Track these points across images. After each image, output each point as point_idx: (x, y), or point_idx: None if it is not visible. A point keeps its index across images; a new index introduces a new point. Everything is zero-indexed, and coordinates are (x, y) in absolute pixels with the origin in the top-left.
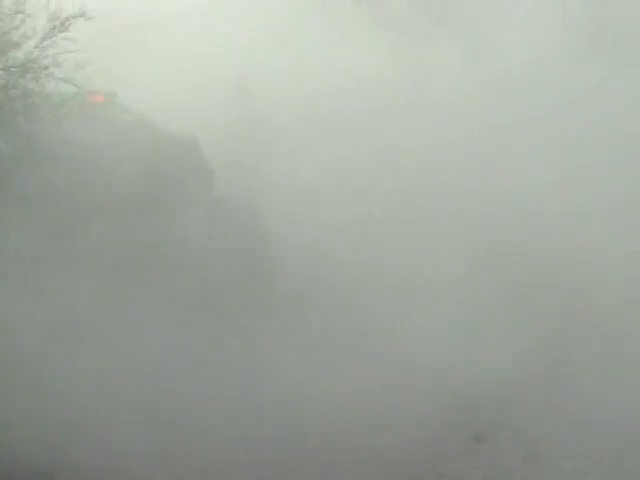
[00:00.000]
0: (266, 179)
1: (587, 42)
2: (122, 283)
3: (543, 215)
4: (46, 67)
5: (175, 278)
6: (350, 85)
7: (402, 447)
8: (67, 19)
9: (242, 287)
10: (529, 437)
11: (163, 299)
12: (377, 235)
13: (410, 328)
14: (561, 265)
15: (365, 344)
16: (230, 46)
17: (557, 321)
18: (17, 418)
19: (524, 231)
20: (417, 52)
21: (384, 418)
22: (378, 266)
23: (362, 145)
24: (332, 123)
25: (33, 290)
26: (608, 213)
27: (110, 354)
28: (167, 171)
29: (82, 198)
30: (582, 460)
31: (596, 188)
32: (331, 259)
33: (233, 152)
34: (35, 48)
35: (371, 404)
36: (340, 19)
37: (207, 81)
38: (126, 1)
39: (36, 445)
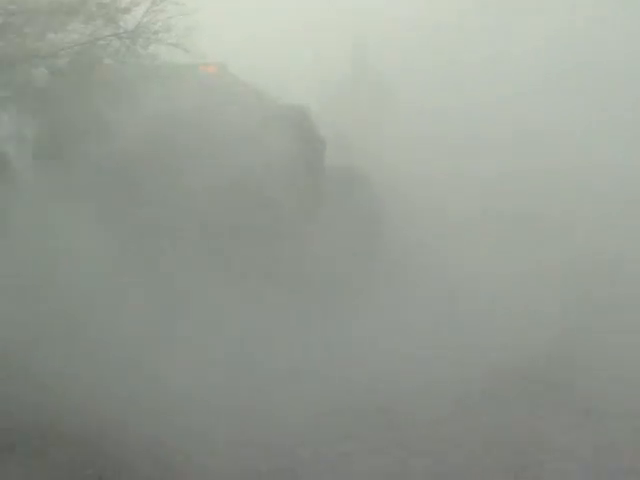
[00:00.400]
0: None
1: None
2: (245, 248)
3: None
4: (156, 32)
5: (291, 244)
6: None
7: None
8: None
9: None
10: None
11: (288, 261)
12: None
13: None
14: None
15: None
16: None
17: None
18: None
19: None
20: None
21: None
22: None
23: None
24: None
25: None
26: None
27: None
28: (279, 141)
29: (198, 165)
30: None
31: None
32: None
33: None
34: (145, 13)
35: None
36: None
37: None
38: None
39: None
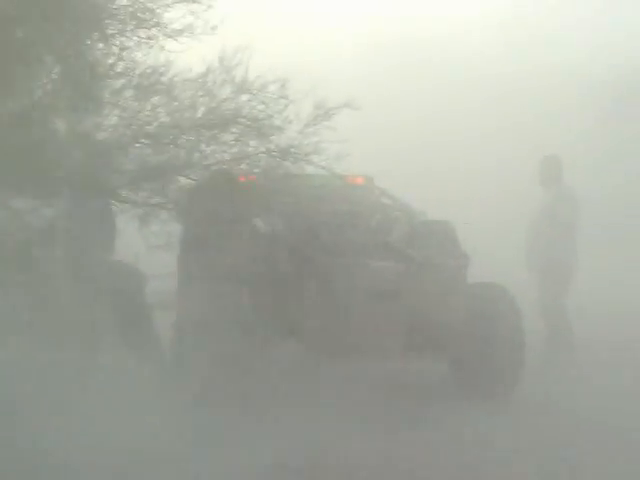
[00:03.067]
0: None
1: None
2: None
3: None
4: (307, 154)
5: None
6: None
7: None
8: (332, 108)
9: None
10: None
11: None
12: None
13: None
14: None
15: None
16: None
17: None
18: None
19: None
20: None
21: None
22: None
23: None
24: None
25: None
26: None
27: None
28: (421, 257)
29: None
30: None
31: None
32: None
33: None
34: (298, 134)
35: None
36: None
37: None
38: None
39: None
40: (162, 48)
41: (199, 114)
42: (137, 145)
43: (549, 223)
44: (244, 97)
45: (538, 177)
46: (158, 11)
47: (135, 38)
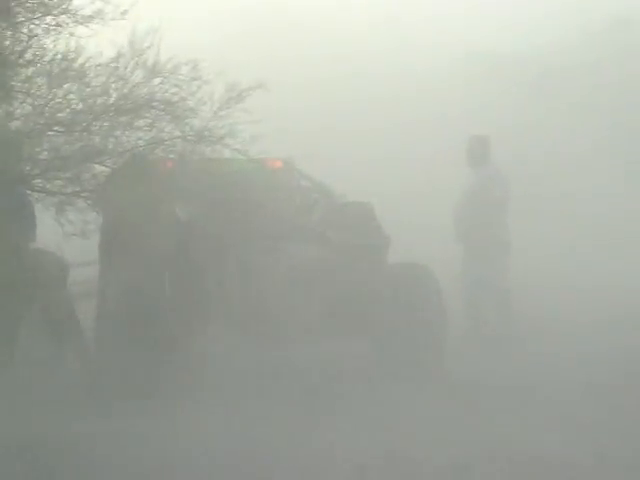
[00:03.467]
0: None
1: None
2: None
3: None
4: (222, 137)
5: None
6: None
7: None
8: (244, 90)
9: None
10: None
11: None
12: None
13: None
14: None
15: None
16: None
17: None
18: None
19: None
20: None
21: None
22: None
23: None
24: None
25: None
26: None
27: None
28: (341, 238)
29: (262, 265)
30: None
31: None
32: None
33: None
34: (212, 117)
35: None
36: None
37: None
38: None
39: None
40: (72, 34)
41: (112, 100)
42: (50, 133)
43: (479, 203)
44: (156, 80)
45: (466, 157)
46: None
47: (44, 25)
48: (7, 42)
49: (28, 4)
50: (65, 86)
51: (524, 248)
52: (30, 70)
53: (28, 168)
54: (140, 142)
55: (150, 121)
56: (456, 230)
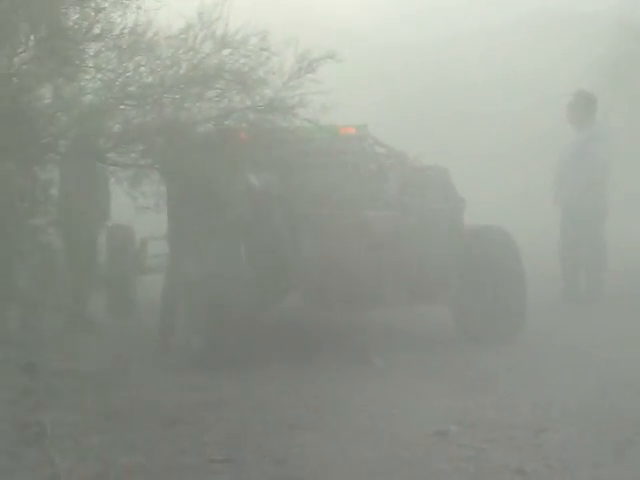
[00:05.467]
0: None
1: None
2: None
3: None
4: (292, 107)
5: None
6: None
7: None
8: (314, 60)
9: None
10: None
11: None
12: None
13: None
14: None
15: None
16: None
17: None
18: None
19: None
20: None
21: None
22: None
23: None
24: None
25: None
26: None
27: None
28: (418, 202)
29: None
30: None
31: None
32: None
33: None
34: (282, 88)
35: None
36: None
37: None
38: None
39: None
40: (139, 7)
41: (182, 71)
42: (122, 107)
43: (582, 161)
44: (226, 51)
45: (569, 115)
46: None
47: None
48: (75, 17)
49: None
50: (135, 59)
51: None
52: (99, 44)
53: (101, 142)
54: (211, 113)
55: (220, 92)
56: (556, 192)
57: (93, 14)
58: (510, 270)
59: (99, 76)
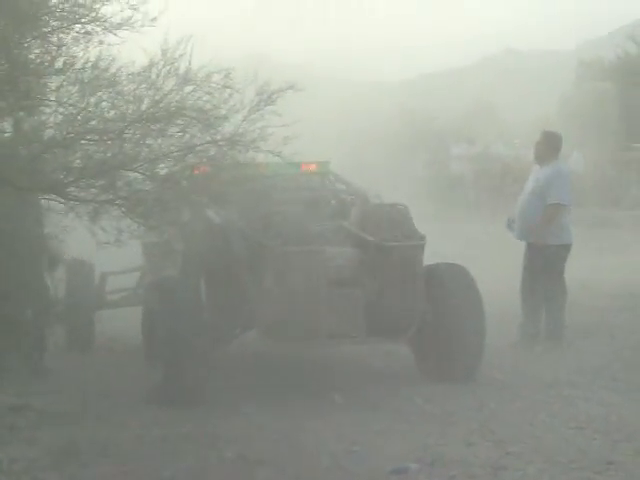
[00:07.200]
0: None
1: None
2: None
3: None
4: (253, 140)
5: None
6: None
7: None
8: (274, 92)
9: None
10: None
11: None
12: None
13: None
14: None
15: None
16: None
17: None
18: None
19: None
20: None
21: None
22: None
23: None
24: None
25: None
26: None
27: None
28: (378, 238)
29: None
30: None
31: None
32: None
33: None
34: (243, 121)
35: None
36: None
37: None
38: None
39: None
40: (101, 42)
41: (144, 107)
42: (83, 142)
43: (540, 198)
44: (188, 88)
45: (534, 153)
46: (96, 6)
47: (73, 34)
48: (37, 50)
49: (56, 13)
50: (97, 94)
51: None
52: (61, 78)
53: (61, 176)
54: (172, 149)
55: (182, 127)
56: (518, 227)
57: (55, 48)
58: (469, 308)
59: (60, 110)
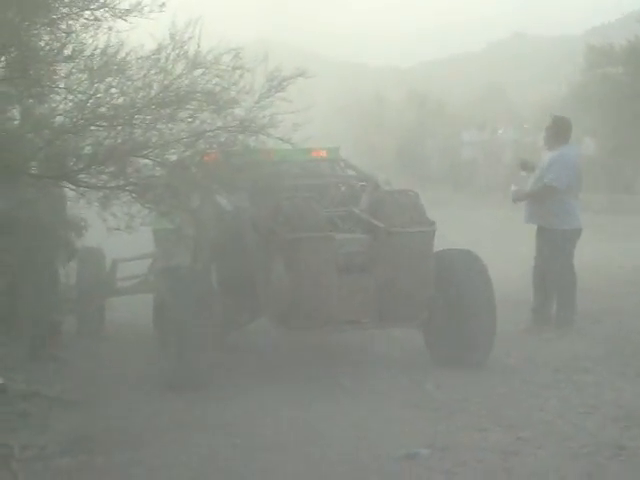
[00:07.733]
0: None
1: None
2: None
3: None
4: (263, 127)
5: None
6: None
7: None
8: (285, 79)
9: None
10: None
11: None
12: None
13: None
14: None
15: None
16: None
17: None
18: None
19: None
20: None
21: None
22: None
23: None
24: None
25: None
26: None
27: None
28: (388, 225)
29: (308, 253)
30: None
31: None
32: None
33: None
34: (253, 106)
35: None
36: None
37: None
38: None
39: None
40: (110, 29)
41: (153, 92)
42: (93, 128)
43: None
44: (198, 72)
45: (544, 138)
46: None
47: (83, 20)
48: (46, 38)
49: (65, 0)
50: (106, 80)
51: None
52: (70, 66)
53: (72, 163)
54: (182, 134)
55: (192, 112)
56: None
57: (64, 35)
58: (480, 294)
59: (70, 97)
